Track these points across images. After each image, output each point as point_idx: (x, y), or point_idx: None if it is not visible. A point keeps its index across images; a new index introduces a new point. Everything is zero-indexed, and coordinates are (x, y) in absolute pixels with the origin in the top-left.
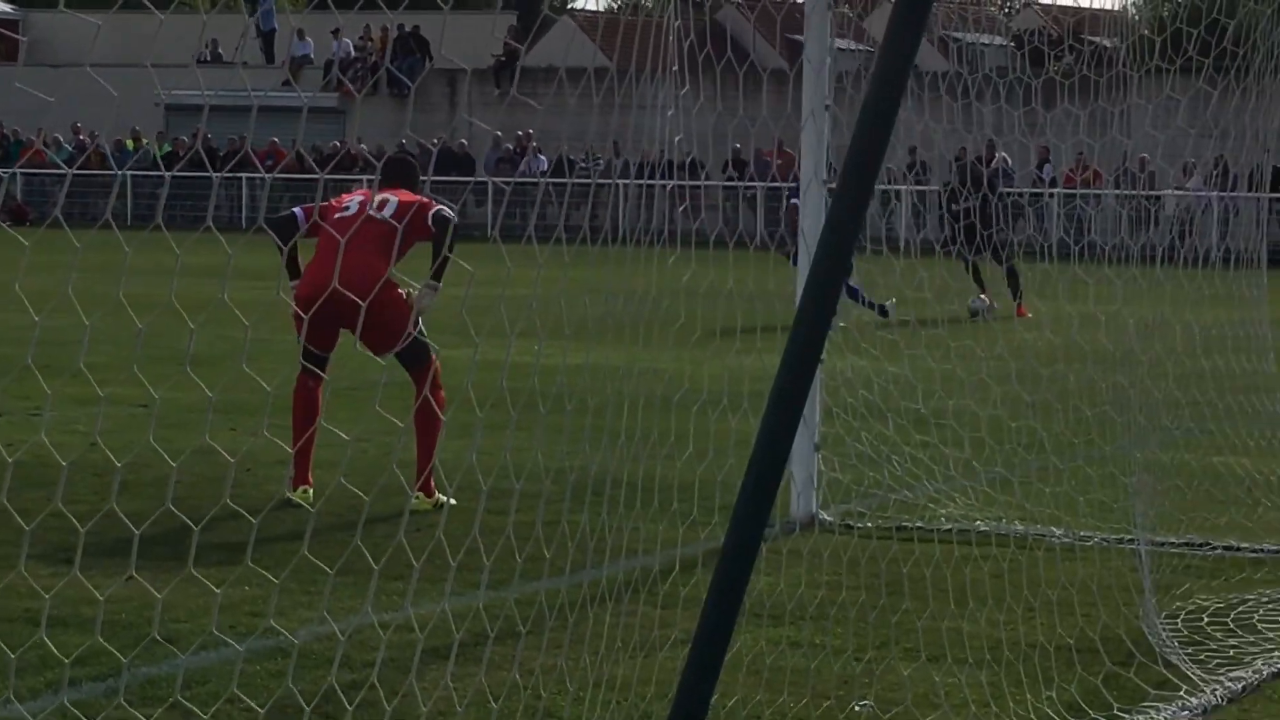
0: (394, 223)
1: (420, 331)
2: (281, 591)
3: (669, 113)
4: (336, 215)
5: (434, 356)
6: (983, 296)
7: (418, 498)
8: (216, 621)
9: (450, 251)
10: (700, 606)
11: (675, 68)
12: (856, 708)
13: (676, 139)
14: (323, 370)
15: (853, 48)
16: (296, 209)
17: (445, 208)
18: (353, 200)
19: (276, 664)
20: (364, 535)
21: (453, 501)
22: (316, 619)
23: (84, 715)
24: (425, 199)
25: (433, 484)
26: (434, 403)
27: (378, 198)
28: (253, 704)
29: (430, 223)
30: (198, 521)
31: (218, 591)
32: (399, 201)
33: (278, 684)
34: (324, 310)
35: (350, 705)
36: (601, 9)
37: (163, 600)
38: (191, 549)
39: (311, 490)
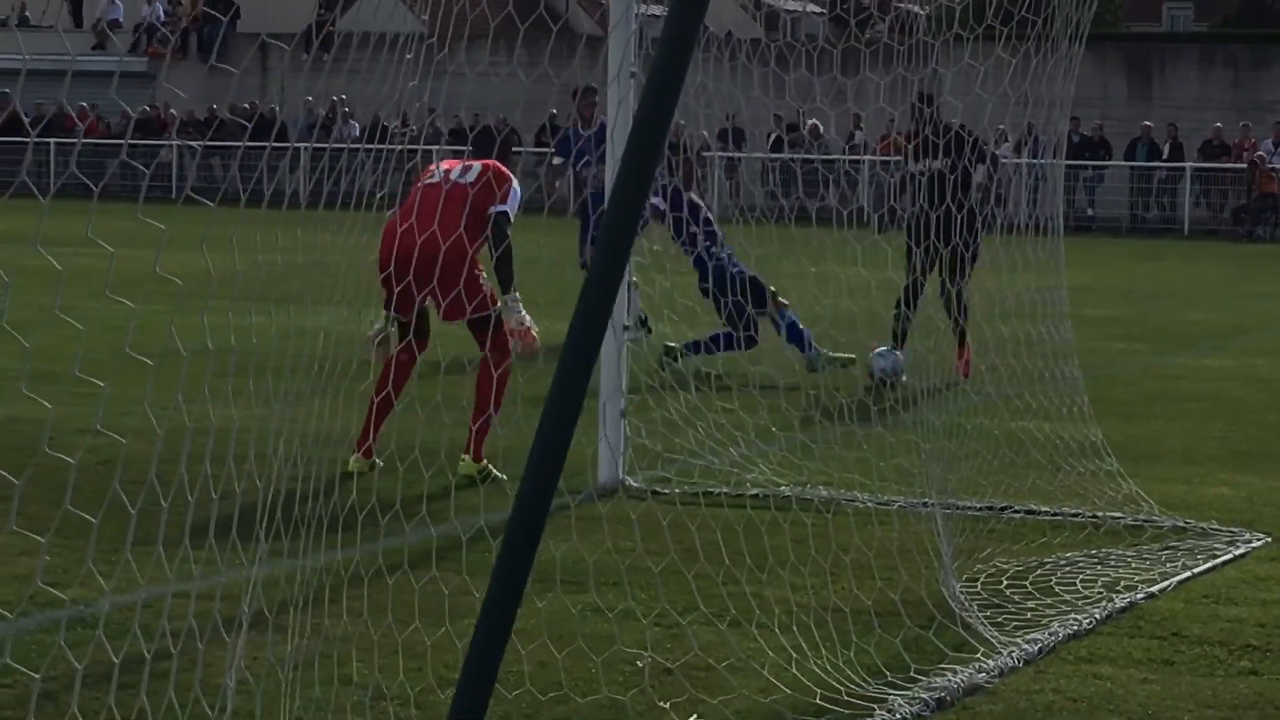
0: (469, 188)
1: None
2: (86, 559)
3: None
4: (424, 181)
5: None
6: (896, 351)
7: (464, 460)
8: None
9: (499, 250)
10: None
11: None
12: (639, 664)
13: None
14: (413, 337)
15: (662, 14)
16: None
17: (509, 206)
18: (440, 168)
19: (75, 634)
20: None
21: (503, 477)
22: (116, 588)
23: None
24: (505, 171)
25: (484, 450)
26: (496, 368)
27: (462, 164)
28: (31, 674)
29: (492, 213)
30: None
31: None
32: (481, 167)
33: (78, 654)
34: (400, 271)
35: (150, 676)
36: None
37: None
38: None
39: (369, 462)
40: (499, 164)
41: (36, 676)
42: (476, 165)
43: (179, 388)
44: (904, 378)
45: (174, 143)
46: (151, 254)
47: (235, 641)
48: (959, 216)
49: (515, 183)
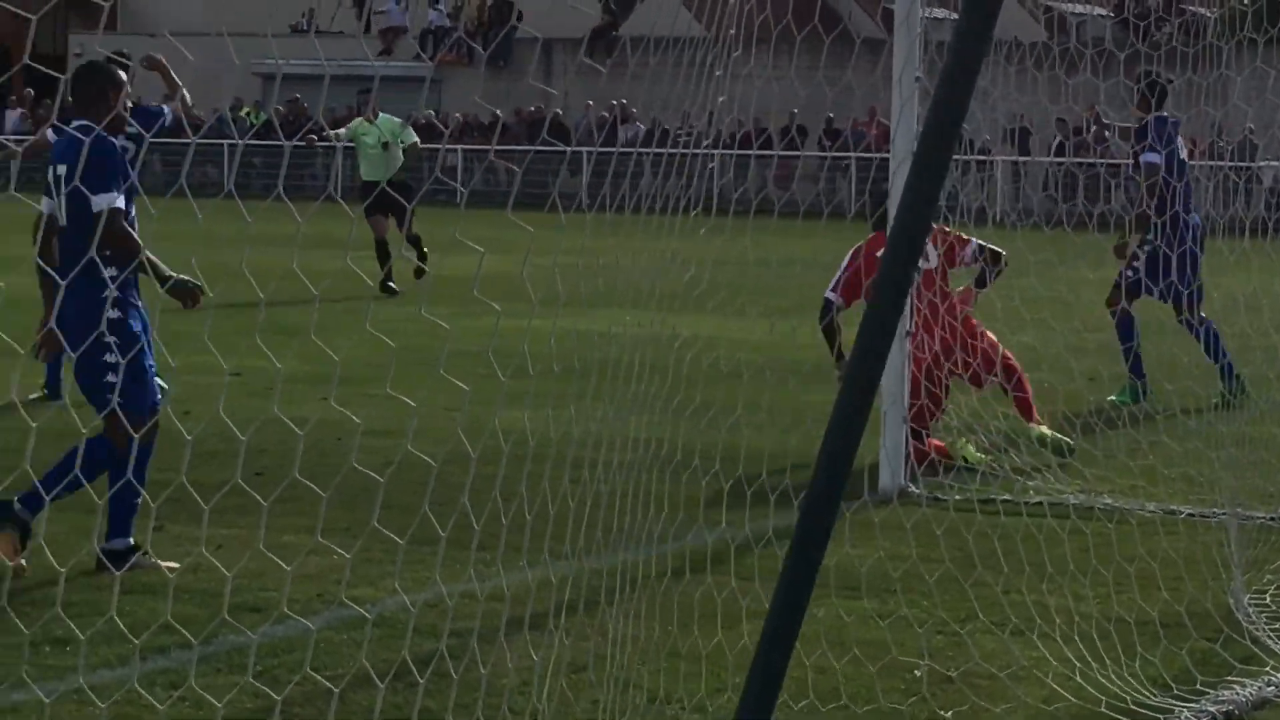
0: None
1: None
2: (368, 562)
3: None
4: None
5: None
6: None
7: (964, 445)
8: (288, 592)
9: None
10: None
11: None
12: (917, 674)
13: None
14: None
15: (945, 16)
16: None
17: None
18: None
19: (364, 633)
20: (449, 504)
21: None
22: (403, 588)
23: (166, 684)
24: (950, 233)
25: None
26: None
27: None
28: (331, 673)
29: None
30: (284, 491)
31: (288, 568)
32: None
33: (359, 654)
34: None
35: (427, 676)
36: None
37: (249, 569)
38: (262, 519)
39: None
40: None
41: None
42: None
43: (466, 391)
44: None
45: (459, 147)
46: (438, 259)
47: (517, 643)
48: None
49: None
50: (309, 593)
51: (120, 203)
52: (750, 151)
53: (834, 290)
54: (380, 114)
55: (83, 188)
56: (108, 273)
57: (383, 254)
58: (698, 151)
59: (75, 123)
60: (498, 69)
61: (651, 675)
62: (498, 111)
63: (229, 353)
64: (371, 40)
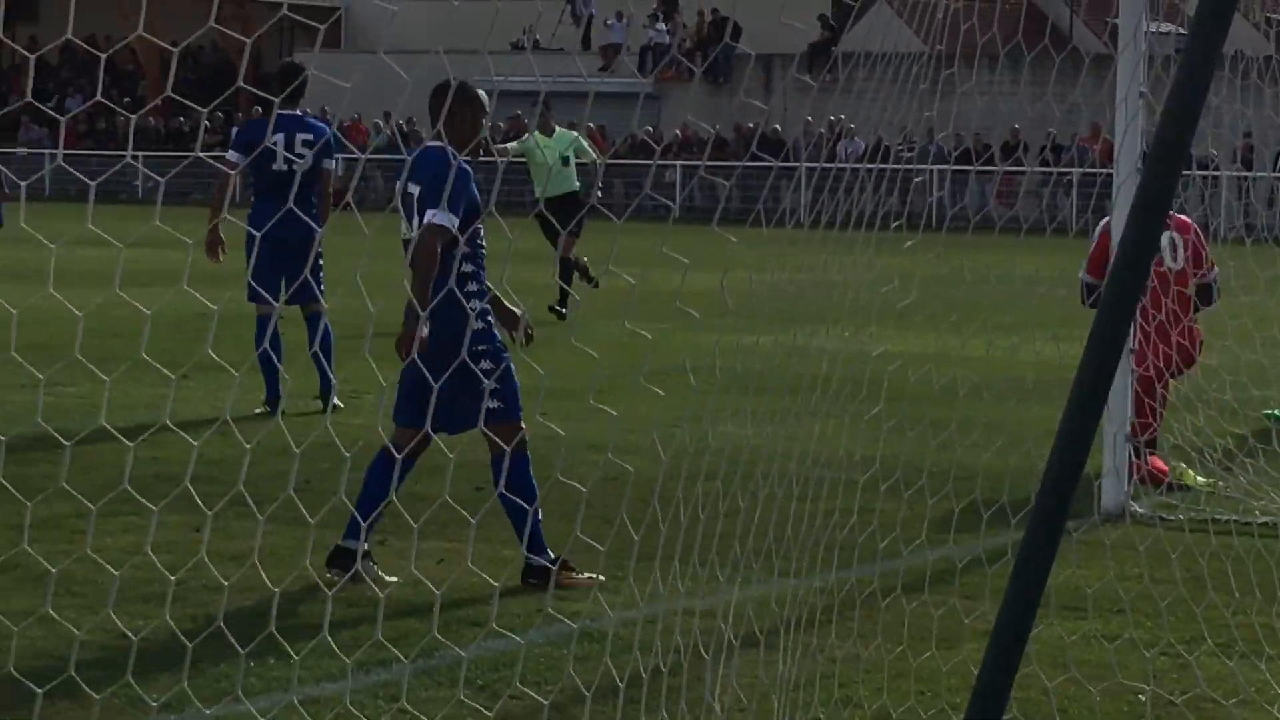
0: (1190, 270)
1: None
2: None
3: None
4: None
5: None
6: None
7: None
8: (490, 609)
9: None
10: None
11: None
12: (1141, 698)
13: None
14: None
15: (1171, 30)
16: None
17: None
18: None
19: (582, 649)
20: (664, 519)
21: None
22: (620, 604)
23: (385, 696)
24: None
25: None
26: None
27: (1166, 237)
28: (544, 688)
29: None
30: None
31: (493, 583)
32: (1184, 239)
33: (585, 670)
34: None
35: (644, 693)
36: None
37: (466, 584)
38: (473, 534)
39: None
40: (1182, 217)
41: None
42: (1178, 238)
43: (684, 407)
44: None
45: (677, 163)
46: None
47: (726, 660)
48: None
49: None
50: (529, 607)
51: (442, 220)
52: (971, 167)
53: (1085, 271)
54: (556, 128)
55: (426, 201)
56: (470, 287)
57: (565, 272)
58: (918, 167)
59: (429, 143)
60: (716, 85)
61: (871, 694)
62: (714, 127)
63: None
64: (591, 56)
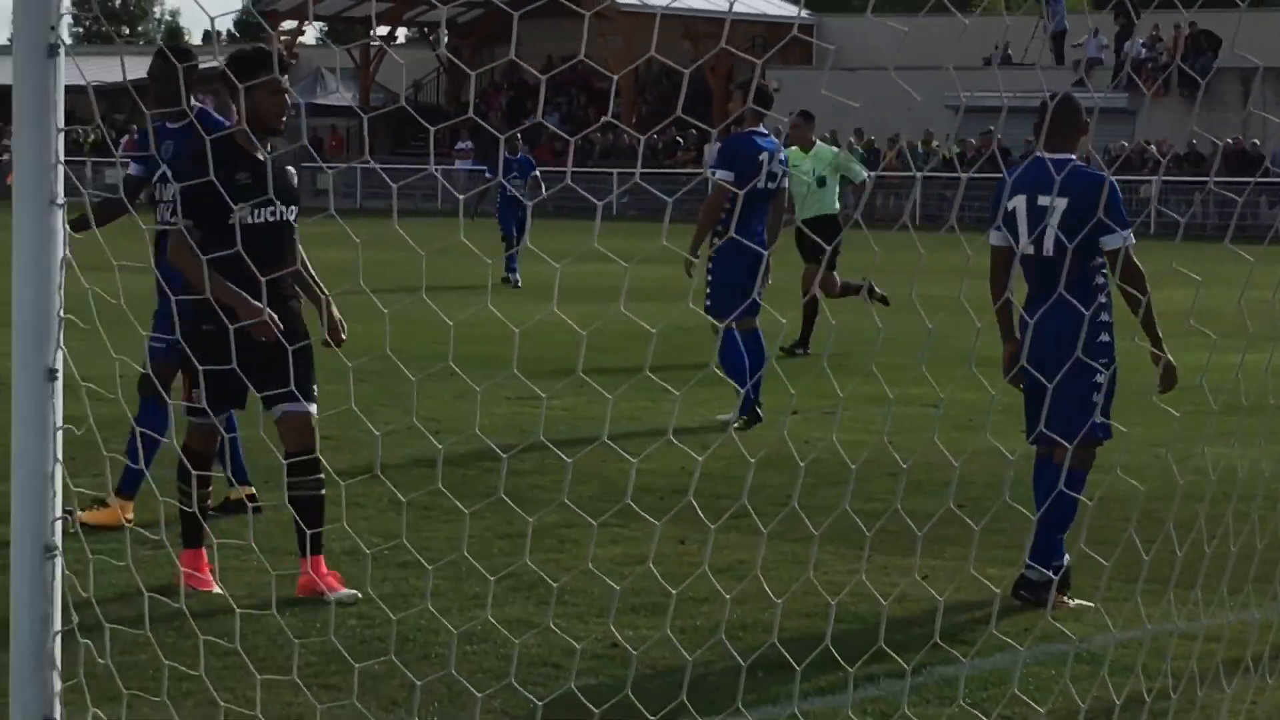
0: None
1: None
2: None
3: None
4: None
5: None
6: None
7: None
8: (995, 623)
9: None
10: None
11: None
12: None
13: None
14: None
15: None
16: None
17: None
18: None
19: (1077, 669)
20: (1152, 540)
21: None
22: (1121, 626)
23: (876, 712)
24: None
25: None
26: None
27: None
28: (1037, 708)
29: None
30: (988, 522)
31: (996, 591)
32: None
33: (1079, 690)
34: None
35: (1149, 716)
36: None
37: (949, 600)
38: (972, 550)
39: None
40: None
41: (1041, 711)
42: None
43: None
44: None
45: (1153, 179)
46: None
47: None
48: None
49: None
50: (1018, 625)
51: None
52: None
53: None
54: (817, 142)
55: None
56: (1100, 299)
57: (809, 313)
58: None
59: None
60: (1191, 99)
61: None
62: (1196, 141)
63: (924, 384)
64: (1065, 72)
